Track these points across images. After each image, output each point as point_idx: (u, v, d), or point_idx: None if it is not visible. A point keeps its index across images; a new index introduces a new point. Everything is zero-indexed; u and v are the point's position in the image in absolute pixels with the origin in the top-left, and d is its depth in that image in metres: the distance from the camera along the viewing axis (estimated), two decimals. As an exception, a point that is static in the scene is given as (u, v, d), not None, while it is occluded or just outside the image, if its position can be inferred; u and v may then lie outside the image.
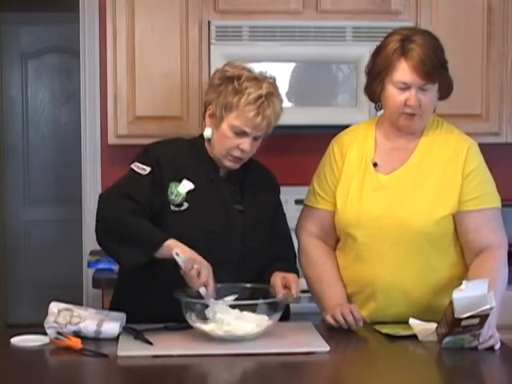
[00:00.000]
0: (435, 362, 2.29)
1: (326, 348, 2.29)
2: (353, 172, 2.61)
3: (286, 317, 2.56)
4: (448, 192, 2.53)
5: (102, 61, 3.89)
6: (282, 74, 3.52)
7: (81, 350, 2.26)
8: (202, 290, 2.33)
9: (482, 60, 3.78)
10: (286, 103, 3.46)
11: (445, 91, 2.56)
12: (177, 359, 2.22)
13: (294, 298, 2.48)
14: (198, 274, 2.32)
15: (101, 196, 2.54)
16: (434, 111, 2.60)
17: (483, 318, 2.24)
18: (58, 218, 6.18)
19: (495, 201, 2.56)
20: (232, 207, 2.56)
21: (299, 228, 2.73)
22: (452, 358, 2.27)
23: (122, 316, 2.41)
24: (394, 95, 2.50)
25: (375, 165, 2.59)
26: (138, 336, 2.33)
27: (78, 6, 3.96)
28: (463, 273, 2.54)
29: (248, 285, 2.45)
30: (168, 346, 2.28)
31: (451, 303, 2.24)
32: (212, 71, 2.65)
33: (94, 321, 2.37)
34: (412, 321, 2.41)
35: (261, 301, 2.36)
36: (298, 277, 2.56)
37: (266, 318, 2.34)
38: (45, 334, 2.35)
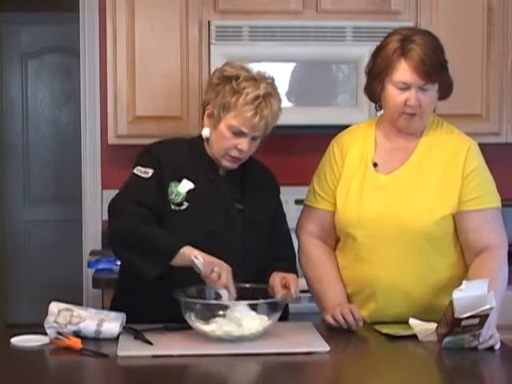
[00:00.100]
0: (435, 362, 2.29)
1: (326, 348, 2.29)
2: (353, 172, 2.61)
3: (284, 317, 2.56)
4: (448, 192, 2.53)
5: (102, 61, 3.89)
6: (281, 74, 3.52)
7: (81, 350, 2.26)
8: (224, 292, 2.34)
9: (482, 60, 3.78)
10: (286, 103, 3.47)
11: (445, 91, 2.56)
12: (177, 359, 2.22)
13: (293, 298, 2.48)
14: (219, 277, 2.33)
15: (109, 207, 2.52)
16: (434, 111, 2.61)
17: (483, 317, 2.24)
18: (57, 217, 6.18)
19: (495, 201, 2.56)
20: (232, 206, 2.56)
21: (299, 228, 2.73)
22: (452, 358, 2.27)
23: (122, 316, 2.41)
24: (393, 95, 2.50)
25: (375, 165, 2.59)
26: (138, 336, 2.33)
27: (78, 6, 3.96)
28: (463, 273, 2.54)
29: (248, 285, 2.45)
30: (168, 346, 2.28)
31: (451, 303, 2.24)
32: (212, 71, 2.65)
33: (94, 321, 2.37)
34: (412, 321, 2.41)
35: (261, 301, 2.37)
36: (298, 277, 2.56)
37: (265, 318, 2.34)
38: (45, 334, 2.35)
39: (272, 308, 2.36)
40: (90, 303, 3.79)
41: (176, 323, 2.39)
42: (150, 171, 2.51)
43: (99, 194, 3.99)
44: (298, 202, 3.19)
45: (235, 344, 2.29)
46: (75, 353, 2.25)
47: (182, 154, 2.58)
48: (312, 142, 3.55)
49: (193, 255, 2.34)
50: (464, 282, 2.32)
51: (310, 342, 2.34)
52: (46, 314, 2.38)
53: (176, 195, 2.51)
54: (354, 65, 3.63)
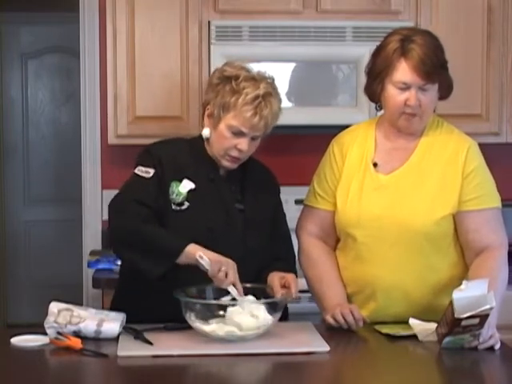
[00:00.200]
0: (435, 362, 2.29)
1: (326, 348, 2.29)
2: (353, 172, 2.61)
3: (284, 317, 2.56)
4: (448, 192, 2.53)
5: (102, 61, 3.89)
6: (281, 74, 3.52)
7: (81, 350, 2.26)
8: (232, 289, 2.35)
9: (482, 60, 3.78)
10: (286, 103, 3.47)
11: (445, 91, 2.56)
12: (177, 359, 2.22)
13: (293, 298, 2.47)
14: (226, 275, 2.34)
15: (110, 206, 2.52)
16: (434, 111, 2.60)
17: (483, 317, 2.24)
18: (58, 217, 6.18)
19: (495, 201, 2.56)
20: (232, 206, 2.56)
21: (299, 228, 2.73)
22: (452, 358, 2.27)
23: (122, 316, 2.41)
24: (394, 95, 2.50)
25: (375, 165, 2.59)
26: (138, 336, 2.33)
27: (78, 6, 3.96)
28: (463, 273, 2.54)
29: (248, 285, 2.45)
30: (168, 346, 2.28)
31: (451, 303, 2.24)
32: (212, 71, 2.65)
33: (94, 321, 2.37)
34: (412, 321, 2.41)
35: (261, 301, 2.37)
36: (297, 277, 2.56)
37: (267, 314, 2.34)
38: (45, 334, 2.35)
39: (272, 308, 2.36)
40: (90, 303, 3.79)
41: (176, 323, 2.40)
42: (152, 171, 2.52)
43: (99, 194, 3.99)
44: (298, 201, 3.19)
45: (235, 344, 2.29)
46: (75, 353, 2.25)
47: (182, 153, 2.58)
48: (312, 142, 3.55)
49: (198, 255, 2.34)
50: (464, 282, 2.32)
51: (310, 342, 2.34)
52: (45, 314, 2.38)
53: (177, 195, 2.51)
54: (354, 65, 3.63)
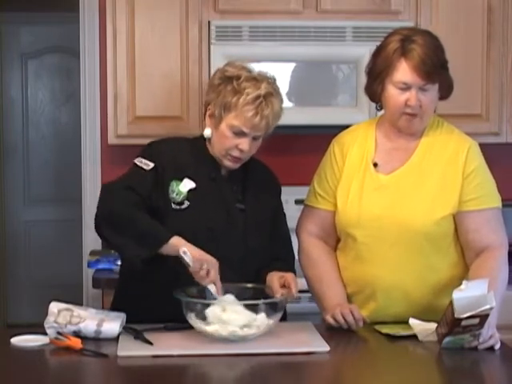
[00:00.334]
0: (435, 362, 2.29)
1: (326, 348, 2.29)
2: (353, 172, 2.61)
3: (283, 317, 2.56)
4: (448, 192, 2.53)
5: (102, 61, 3.89)
6: (282, 74, 3.52)
7: (81, 350, 2.26)
8: (212, 287, 2.35)
9: (482, 60, 3.78)
10: (286, 103, 3.46)
11: (445, 91, 2.56)
12: (177, 359, 2.22)
13: (293, 298, 2.47)
14: (207, 273, 2.34)
15: (103, 187, 2.54)
16: (434, 111, 2.60)
17: (483, 317, 2.24)
18: (58, 218, 6.18)
19: (495, 201, 2.56)
20: (233, 206, 2.56)
21: (299, 228, 2.73)
22: (452, 358, 2.27)
23: (122, 316, 2.41)
24: (394, 95, 2.50)
25: (375, 165, 2.59)
26: (138, 336, 2.33)
27: (78, 6, 3.96)
28: (463, 273, 2.54)
29: (249, 285, 2.45)
30: (168, 346, 2.28)
31: (451, 303, 2.24)
32: (212, 71, 2.66)
33: (94, 321, 2.37)
34: (412, 321, 2.41)
35: (261, 301, 2.37)
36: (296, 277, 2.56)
37: (252, 314, 2.34)
38: (45, 334, 2.35)
39: (273, 308, 2.36)
40: (90, 303, 3.79)
41: (176, 323, 2.39)
42: (151, 164, 2.52)
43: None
44: (298, 201, 3.19)
45: (235, 344, 2.29)
46: (75, 353, 2.25)
47: (183, 153, 2.58)
48: (312, 142, 3.55)
49: (181, 250, 2.34)
50: (464, 281, 2.32)
51: (310, 342, 2.34)
52: (46, 313, 2.38)
53: (177, 194, 2.51)
54: (354, 65, 3.63)
